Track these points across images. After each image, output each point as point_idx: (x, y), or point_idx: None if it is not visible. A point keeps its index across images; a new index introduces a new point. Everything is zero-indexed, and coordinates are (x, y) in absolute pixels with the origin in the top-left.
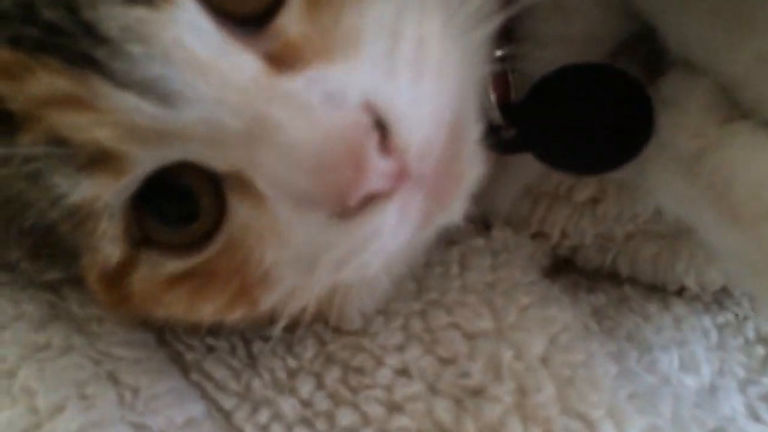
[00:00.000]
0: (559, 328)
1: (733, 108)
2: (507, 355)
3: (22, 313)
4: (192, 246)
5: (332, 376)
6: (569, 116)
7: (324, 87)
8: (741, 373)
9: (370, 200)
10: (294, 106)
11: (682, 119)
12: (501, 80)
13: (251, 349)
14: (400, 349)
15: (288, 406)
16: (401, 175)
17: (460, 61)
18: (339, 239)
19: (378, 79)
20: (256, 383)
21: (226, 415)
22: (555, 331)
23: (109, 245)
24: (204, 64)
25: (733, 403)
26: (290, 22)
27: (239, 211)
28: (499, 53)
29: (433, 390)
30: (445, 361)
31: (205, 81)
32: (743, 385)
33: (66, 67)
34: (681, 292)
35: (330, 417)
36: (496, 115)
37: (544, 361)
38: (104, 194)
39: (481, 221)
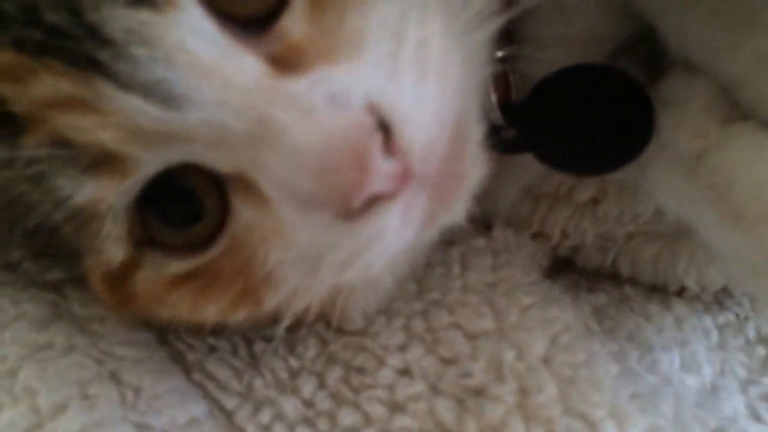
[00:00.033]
0: (561, 328)
1: (734, 108)
2: (509, 355)
3: (24, 313)
4: (195, 247)
5: (334, 376)
6: (570, 117)
7: (327, 89)
8: (742, 373)
9: (374, 201)
10: (297, 107)
11: (682, 120)
12: (502, 81)
13: (253, 349)
14: (402, 349)
15: (290, 406)
16: (405, 176)
17: (462, 62)
18: (343, 240)
19: (381, 80)
20: (258, 383)
21: (228, 415)
22: (556, 332)
23: (113, 246)
24: (207, 67)
25: (734, 403)
26: (293, 24)
27: (243, 212)
28: (500, 54)
29: (434, 390)
30: (447, 361)
31: (208, 83)
32: (744, 385)
33: (69, 70)
34: (681, 292)
35: (332, 417)
36: (497, 116)
37: (546, 361)
38: (108, 196)
39: (481, 221)
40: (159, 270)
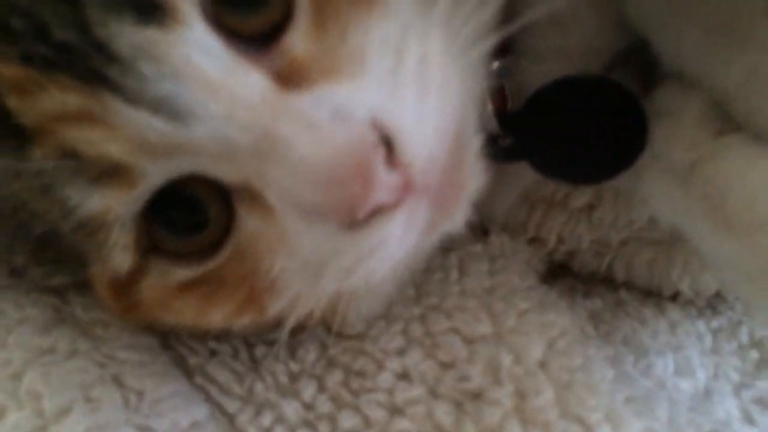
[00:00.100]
0: (557, 332)
1: (726, 120)
2: (506, 359)
3: (27, 317)
4: (201, 254)
5: (334, 379)
6: (565, 126)
7: (331, 104)
8: (735, 377)
9: (377, 212)
10: (302, 123)
11: (676, 131)
12: (498, 91)
13: (254, 352)
14: (401, 353)
15: (290, 409)
16: (407, 188)
17: (461, 77)
18: (346, 249)
19: (383, 96)
20: (259, 387)
21: (230, 418)
22: (553, 336)
23: (120, 255)
24: (213, 83)
25: (727, 407)
26: (297, 41)
27: (248, 221)
28: (496, 65)
29: (433, 394)
30: (445, 365)
31: (214, 99)
32: (737, 389)
33: (78, 84)
34: (676, 296)
35: (332, 420)
36: (494, 125)
37: (543, 365)
38: (115, 206)
39: (479, 227)
40: (165, 277)
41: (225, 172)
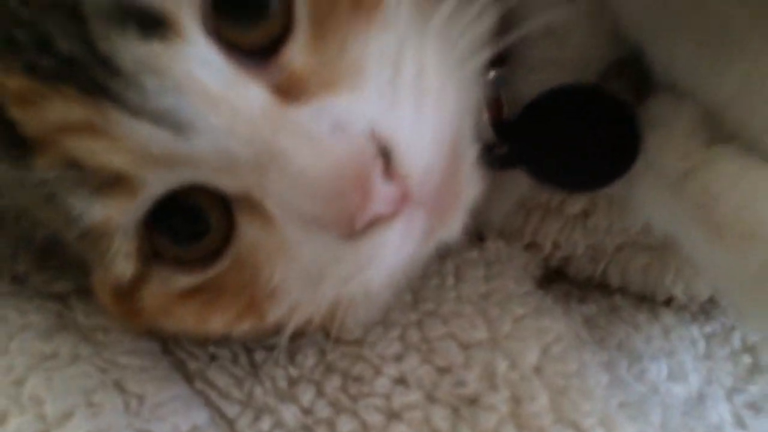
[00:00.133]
0: (553, 338)
1: (718, 131)
2: (502, 364)
3: (29, 323)
4: (202, 262)
5: (332, 384)
6: (559, 135)
7: (330, 117)
8: (728, 381)
9: (375, 222)
10: (301, 136)
11: (669, 141)
12: (494, 100)
13: (253, 357)
14: (398, 358)
15: (289, 413)
16: (404, 199)
17: (457, 88)
18: (345, 257)
19: (382, 108)
20: (258, 391)
21: (230, 423)
22: (548, 341)
23: (122, 263)
24: (214, 96)
25: (720, 411)
26: (296, 54)
27: (248, 229)
28: (493, 75)
29: (430, 398)
30: (442, 371)
31: (215, 112)
32: (730, 394)
33: (81, 96)
34: (669, 302)
35: (330, 424)
36: (490, 134)
37: (538, 370)
38: (118, 215)
39: (475, 233)
40: (166, 284)
41: (225, 183)
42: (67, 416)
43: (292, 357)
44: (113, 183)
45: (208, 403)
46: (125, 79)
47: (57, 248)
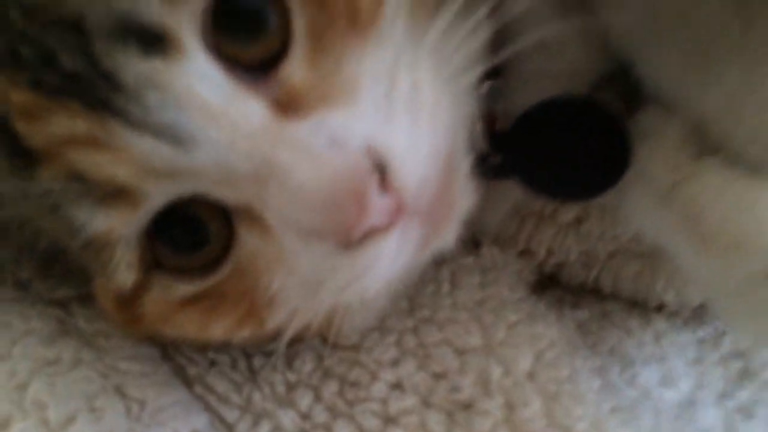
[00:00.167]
0: (546, 344)
1: (705, 143)
2: (496, 371)
3: (32, 329)
4: (202, 270)
5: (330, 389)
6: (552, 146)
7: (327, 132)
8: (718, 386)
9: (371, 233)
10: (300, 150)
11: (657, 152)
12: (488, 111)
13: (252, 363)
14: (395, 364)
15: (287, 418)
16: (399, 211)
17: (451, 102)
18: (342, 267)
19: (377, 123)
20: (257, 396)
21: (229, 427)
22: (542, 348)
23: (124, 271)
24: (214, 111)
25: (710, 416)
26: (294, 70)
27: (247, 239)
28: (486, 87)
29: (426, 404)
30: (437, 376)
31: (215, 127)
32: (720, 399)
33: (85, 110)
34: (661, 308)
35: (328, 429)
36: (484, 145)
37: (531, 376)
38: (120, 226)
39: (470, 239)
40: (167, 292)
41: (225, 195)
42: (69, 421)
43: (290, 362)
44: (116, 195)
45: (208, 408)
46: (128, 95)
47: (59, 256)
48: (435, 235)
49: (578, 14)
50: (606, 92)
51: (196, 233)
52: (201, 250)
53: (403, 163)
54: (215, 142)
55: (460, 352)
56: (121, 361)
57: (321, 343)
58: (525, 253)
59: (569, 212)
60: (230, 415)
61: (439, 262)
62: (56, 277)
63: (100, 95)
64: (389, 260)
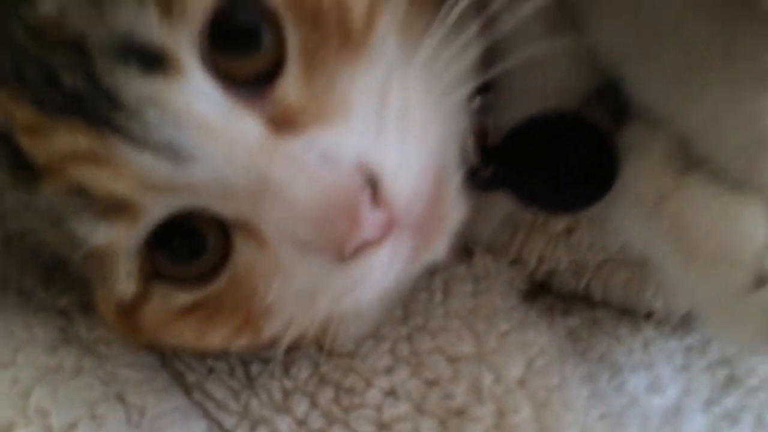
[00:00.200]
0: (536, 351)
1: (690, 157)
2: (487, 378)
3: (35, 337)
4: (200, 279)
5: (325, 396)
6: (541, 160)
7: (321, 149)
8: (705, 393)
9: (364, 246)
10: (294, 166)
11: (643, 167)
12: (479, 125)
13: (249, 370)
14: (389, 371)
15: (284, 425)
16: (390, 224)
17: (441, 119)
18: (336, 278)
19: (369, 140)
20: (255, 403)
21: None
22: (532, 355)
23: (125, 282)
24: (212, 129)
25: (696, 422)
26: (289, 88)
27: (244, 250)
28: (478, 102)
29: (419, 410)
30: (430, 383)
31: (213, 144)
32: (707, 405)
33: (86, 127)
34: (650, 315)
35: None
36: (475, 158)
37: (522, 383)
38: (121, 238)
39: (463, 248)
40: (167, 301)
41: (223, 209)
42: (71, 427)
43: (286, 369)
44: (116, 208)
45: (206, 415)
46: (128, 113)
47: (62, 266)
48: (426, 247)
49: (568, 32)
50: (595, 107)
51: (194, 243)
52: (199, 260)
53: (394, 178)
54: (213, 158)
55: (453, 360)
56: (122, 369)
57: (317, 350)
58: (517, 261)
59: (560, 222)
60: (228, 421)
61: (432, 271)
62: (58, 286)
63: (101, 113)
64: (382, 272)
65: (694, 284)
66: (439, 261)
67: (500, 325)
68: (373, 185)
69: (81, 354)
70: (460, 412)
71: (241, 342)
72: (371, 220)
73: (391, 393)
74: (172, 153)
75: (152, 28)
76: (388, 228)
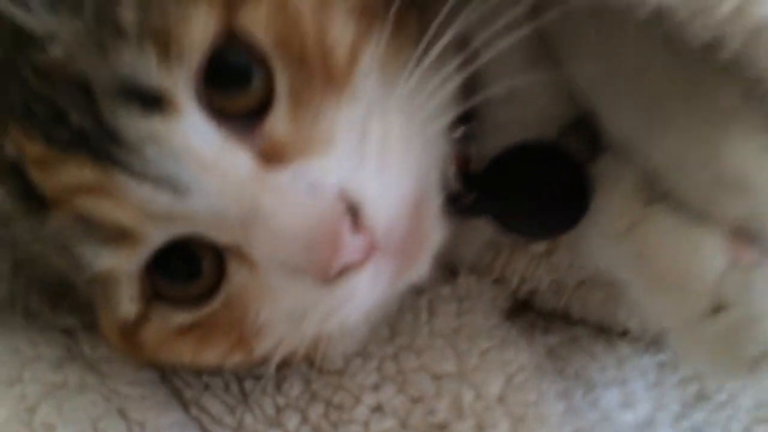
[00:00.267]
0: (515, 369)
1: (655, 190)
2: (468, 394)
3: (41, 355)
4: (197, 300)
5: (316, 412)
6: (520, 188)
7: (306, 180)
8: (675, 408)
9: (347, 269)
10: (282, 196)
11: (614, 197)
12: (461, 154)
13: (243, 386)
14: (376, 388)
15: None
16: (371, 248)
17: (420, 148)
18: (322, 300)
19: (350, 170)
20: (249, 418)
21: None
22: (511, 372)
23: (127, 304)
24: (207, 163)
25: None
26: (277, 123)
27: (236, 274)
28: (460, 131)
29: (404, 426)
30: (415, 400)
31: (208, 177)
32: (677, 420)
33: (92, 162)
34: (625, 333)
35: None
36: (457, 185)
37: (501, 400)
38: (122, 264)
39: (448, 269)
40: (166, 321)
41: (217, 236)
42: None
43: (279, 386)
44: (119, 236)
45: (203, 429)
46: (129, 149)
47: (67, 289)
48: (407, 268)
49: (545, 66)
50: (572, 138)
51: (191, 266)
52: (196, 282)
53: (374, 205)
54: (207, 190)
55: (436, 378)
56: (123, 386)
57: (308, 367)
58: (500, 280)
59: (541, 244)
60: None
61: (418, 291)
62: (64, 307)
63: (105, 149)
64: (365, 293)
65: (660, 309)
66: (423, 281)
67: (482, 343)
68: (354, 212)
69: (85, 371)
70: (443, 427)
71: (235, 360)
72: (353, 244)
73: (378, 409)
74: (171, 185)
75: (151, 72)
76: (370, 251)
